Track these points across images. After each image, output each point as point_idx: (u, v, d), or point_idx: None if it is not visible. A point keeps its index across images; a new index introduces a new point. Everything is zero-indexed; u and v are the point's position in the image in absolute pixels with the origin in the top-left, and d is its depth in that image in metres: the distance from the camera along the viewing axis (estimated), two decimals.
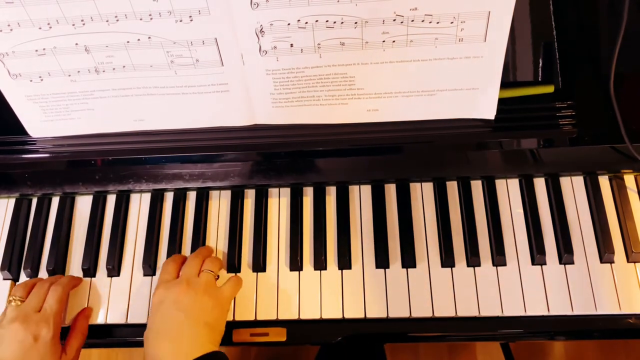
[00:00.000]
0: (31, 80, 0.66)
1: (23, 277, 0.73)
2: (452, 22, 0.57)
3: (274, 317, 0.68)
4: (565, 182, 0.71)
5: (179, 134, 0.70)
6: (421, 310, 0.66)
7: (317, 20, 0.58)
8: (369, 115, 0.67)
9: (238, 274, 0.71)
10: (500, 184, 0.72)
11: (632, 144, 0.64)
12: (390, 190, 0.73)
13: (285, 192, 0.75)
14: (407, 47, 0.60)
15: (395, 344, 1.33)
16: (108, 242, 0.74)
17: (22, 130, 0.71)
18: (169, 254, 0.72)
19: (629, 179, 0.71)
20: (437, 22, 0.57)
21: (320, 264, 0.70)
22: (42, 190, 0.75)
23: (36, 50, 0.62)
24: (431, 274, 0.68)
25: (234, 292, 0.68)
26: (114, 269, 0.72)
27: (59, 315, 0.65)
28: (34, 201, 0.78)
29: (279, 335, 0.68)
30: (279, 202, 0.74)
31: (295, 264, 0.70)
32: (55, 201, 0.77)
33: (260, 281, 0.70)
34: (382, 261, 0.69)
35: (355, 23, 0.58)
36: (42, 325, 0.63)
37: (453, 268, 0.68)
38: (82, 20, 0.59)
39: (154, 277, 0.72)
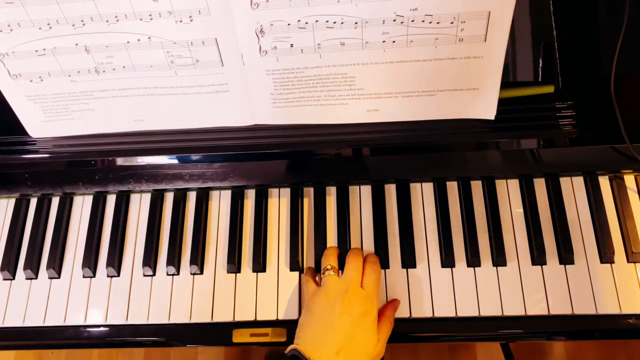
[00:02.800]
0: (31, 81, 0.66)
1: (22, 277, 0.73)
2: (452, 22, 0.57)
3: (274, 317, 0.68)
4: (565, 182, 0.71)
5: (179, 134, 0.70)
6: (421, 310, 0.66)
7: (317, 21, 0.58)
8: (369, 115, 0.67)
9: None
10: (500, 184, 0.72)
11: (632, 144, 0.64)
12: (390, 190, 0.73)
13: (285, 192, 0.75)
14: (407, 47, 0.60)
15: (395, 344, 1.33)
16: (108, 242, 0.74)
17: (22, 130, 0.71)
18: (169, 254, 0.72)
19: (629, 179, 0.70)
20: (437, 23, 0.57)
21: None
22: (42, 190, 0.75)
23: (36, 51, 0.62)
24: (431, 274, 0.68)
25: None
26: (114, 269, 0.72)
27: (377, 297, 0.65)
28: (34, 201, 0.78)
29: (279, 335, 0.68)
30: (279, 202, 0.74)
31: (295, 264, 0.70)
32: (55, 201, 0.77)
33: (260, 281, 0.70)
34: (382, 261, 0.69)
35: (355, 23, 0.58)
36: (370, 302, 0.63)
37: (453, 268, 0.68)
38: (82, 21, 0.59)
39: (154, 277, 0.72)
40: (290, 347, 0.61)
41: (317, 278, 0.67)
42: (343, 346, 0.60)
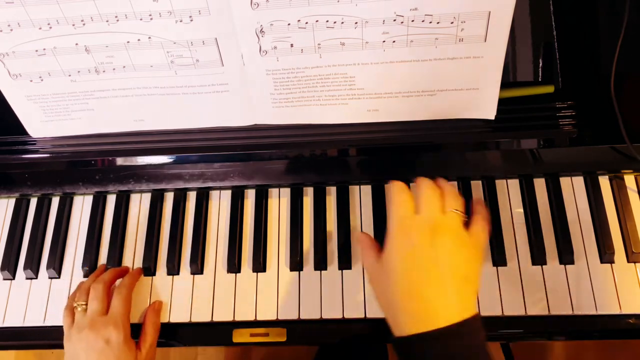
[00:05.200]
0: (31, 81, 0.66)
1: (22, 277, 0.73)
2: (452, 22, 0.57)
3: (274, 317, 0.68)
4: (565, 182, 0.71)
5: (179, 134, 0.70)
6: None
7: (317, 20, 0.58)
8: (369, 115, 0.67)
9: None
10: (500, 184, 0.72)
11: (632, 144, 0.64)
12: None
13: (286, 192, 0.75)
14: (407, 47, 0.60)
15: None
16: (108, 242, 0.74)
17: (22, 130, 0.71)
18: (169, 254, 0.72)
19: (629, 179, 0.70)
20: (437, 22, 0.57)
21: (320, 264, 0.70)
22: (42, 190, 0.75)
23: (36, 51, 0.62)
24: None
25: (484, 235, 0.55)
26: None
27: (126, 316, 0.65)
28: (34, 201, 0.78)
29: (279, 335, 0.68)
30: (279, 202, 0.74)
31: (295, 264, 0.70)
32: (55, 201, 0.77)
33: (260, 281, 0.70)
34: None
35: (355, 23, 0.58)
36: (111, 328, 0.63)
37: None
38: (82, 20, 0.59)
39: (154, 277, 0.72)
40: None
41: None
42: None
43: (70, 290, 0.72)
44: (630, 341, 1.28)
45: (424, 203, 0.53)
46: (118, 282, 0.70)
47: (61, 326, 0.70)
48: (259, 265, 0.70)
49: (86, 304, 0.66)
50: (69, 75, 0.65)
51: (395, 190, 0.55)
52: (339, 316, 0.67)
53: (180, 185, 0.73)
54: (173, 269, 0.71)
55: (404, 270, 0.50)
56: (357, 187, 0.74)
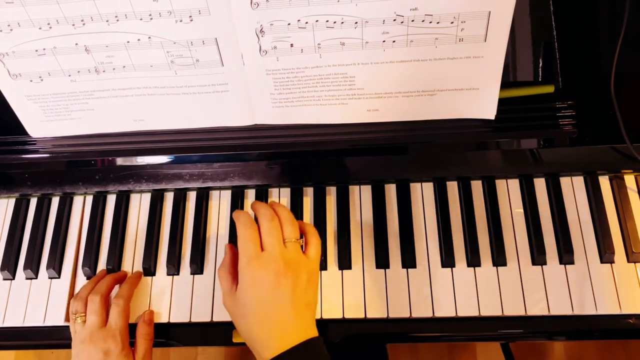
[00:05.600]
0: (31, 80, 0.66)
1: (22, 277, 0.73)
2: (452, 22, 0.57)
3: None
4: (565, 182, 0.71)
5: (179, 134, 0.70)
6: (421, 310, 0.66)
7: (317, 20, 0.58)
8: (369, 115, 0.67)
9: (304, 223, 0.63)
10: (500, 184, 0.72)
11: (632, 144, 0.64)
12: (390, 190, 0.73)
13: (286, 192, 0.75)
14: (407, 47, 0.60)
15: (395, 344, 1.33)
16: (108, 242, 0.74)
17: (22, 130, 0.71)
18: (169, 254, 0.72)
19: (629, 179, 0.70)
20: (437, 22, 0.57)
21: (320, 264, 0.70)
22: (42, 190, 0.75)
23: (36, 50, 0.62)
24: (431, 274, 0.68)
25: (319, 253, 0.61)
26: (114, 270, 0.72)
27: (124, 329, 0.66)
28: (34, 201, 0.78)
29: None
30: (279, 202, 0.74)
31: None
32: (55, 201, 0.77)
33: None
34: (382, 261, 0.69)
35: (355, 23, 0.58)
36: (109, 340, 0.64)
37: (453, 268, 0.68)
38: (82, 20, 0.59)
39: (154, 277, 0.72)
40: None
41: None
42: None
43: (71, 290, 0.72)
44: (630, 341, 1.28)
45: (266, 238, 0.58)
46: (117, 288, 0.70)
47: (61, 326, 0.70)
48: None
49: (85, 315, 0.66)
50: (69, 75, 0.65)
51: (240, 226, 0.59)
52: (339, 316, 0.67)
53: (180, 185, 0.73)
54: (173, 269, 0.71)
55: (255, 306, 0.56)
56: (357, 187, 0.74)
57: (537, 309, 0.65)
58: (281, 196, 0.75)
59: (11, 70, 0.64)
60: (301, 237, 0.61)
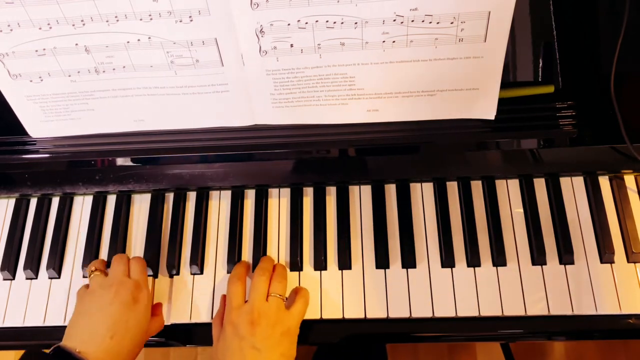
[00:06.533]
0: (31, 81, 0.66)
1: (22, 277, 0.73)
2: (452, 23, 0.57)
3: None
4: (565, 182, 0.71)
5: (179, 134, 0.70)
6: (421, 311, 0.66)
7: (317, 21, 0.58)
8: (369, 115, 0.67)
9: (300, 286, 0.69)
10: (500, 184, 0.72)
11: (632, 144, 0.64)
12: (390, 190, 0.73)
13: (285, 192, 0.75)
14: (407, 47, 0.60)
15: (395, 344, 1.33)
16: (108, 242, 0.74)
17: (22, 130, 0.71)
18: (169, 254, 0.72)
19: (629, 179, 0.70)
20: (437, 23, 0.57)
21: (320, 264, 0.70)
22: (42, 190, 0.75)
23: (36, 51, 0.62)
24: (431, 274, 0.68)
25: (303, 312, 0.66)
26: None
27: (147, 283, 0.67)
28: (34, 201, 0.78)
29: None
30: (279, 202, 0.74)
31: (295, 264, 0.70)
32: (55, 201, 0.77)
33: None
34: (382, 261, 0.69)
35: (355, 23, 0.58)
36: (139, 288, 0.65)
37: (453, 268, 0.68)
38: (82, 21, 0.59)
39: (154, 277, 0.72)
40: (54, 346, 0.60)
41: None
42: (117, 331, 0.60)
43: (70, 290, 0.72)
44: (630, 341, 1.28)
45: (251, 291, 0.65)
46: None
47: (61, 326, 0.70)
48: None
49: (102, 272, 0.66)
50: (69, 76, 0.65)
51: (230, 282, 0.66)
52: (339, 316, 0.67)
53: (180, 185, 0.73)
54: (173, 269, 0.71)
55: (231, 352, 0.61)
56: (357, 187, 0.74)
57: (537, 309, 0.65)
58: (281, 196, 0.75)
59: (11, 70, 0.64)
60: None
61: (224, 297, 0.68)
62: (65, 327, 0.69)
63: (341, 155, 0.70)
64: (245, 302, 0.64)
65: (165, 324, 0.69)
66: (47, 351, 0.59)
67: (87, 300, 0.64)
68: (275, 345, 0.61)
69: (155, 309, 0.68)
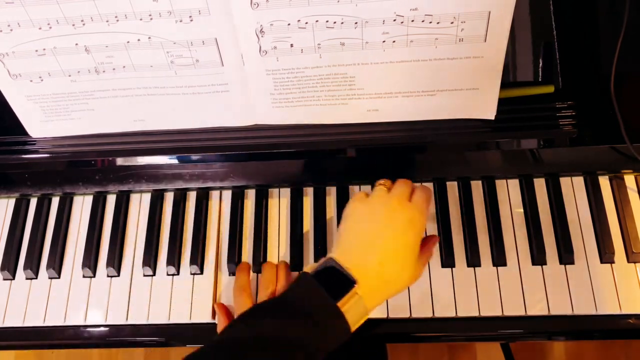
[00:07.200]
0: (31, 81, 0.66)
1: (22, 277, 0.73)
2: (452, 23, 0.57)
3: None
4: (565, 182, 0.71)
5: (179, 134, 0.70)
6: (421, 310, 0.66)
7: (317, 20, 0.58)
8: (369, 115, 0.67)
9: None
10: (500, 184, 0.72)
11: (632, 144, 0.64)
12: None
13: (286, 192, 0.75)
14: (407, 47, 0.60)
15: (395, 344, 1.33)
16: (108, 242, 0.74)
17: (22, 130, 0.71)
18: (169, 254, 0.72)
19: (629, 179, 0.70)
20: (437, 23, 0.57)
21: None
22: (42, 190, 0.75)
23: (36, 51, 0.62)
24: (431, 273, 0.68)
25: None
26: (114, 269, 0.72)
27: (426, 214, 0.61)
28: (34, 201, 0.78)
29: None
30: (279, 202, 0.74)
31: (296, 265, 0.70)
32: (55, 201, 0.77)
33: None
34: None
35: (355, 23, 0.58)
36: (417, 214, 0.59)
37: (453, 268, 0.68)
38: (82, 20, 0.59)
39: (154, 277, 0.72)
40: (324, 258, 0.57)
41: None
42: (387, 258, 0.56)
43: (70, 290, 0.72)
44: (630, 341, 1.28)
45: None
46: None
47: (61, 326, 0.70)
48: (259, 265, 0.70)
49: (387, 188, 0.62)
50: (69, 76, 0.65)
51: (235, 295, 0.67)
52: None
53: (180, 185, 0.73)
54: (173, 269, 0.71)
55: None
56: (357, 187, 0.74)
57: (537, 309, 0.65)
58: (281, 196, 0.75)
59: (11, 70, 0.64)
60: None
61: (221, 306, 0.68)
62: (65, 327, 0.70)
63: (341, 155, 0.70)
64: None
65: (165, 323, 0.69)
66: (320, 264, 0.57)
67: (363, 211, 0.60)
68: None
69: (428, 241, 0.63)
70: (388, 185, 0.63)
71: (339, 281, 0.54)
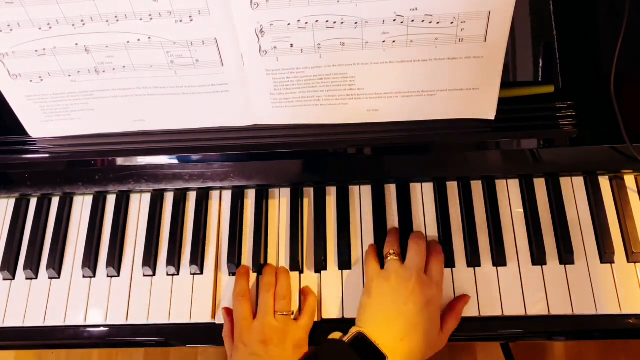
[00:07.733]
0: (31, 81, 0.66)
1: (22, 277, 0.73)
2: (452, 23, 0.57)
3: None
4: (565, 182, 0.71)
5: (179, 134, 0.70)
6: None
7: (317, 20, 0.58)
8: (369, 115, 0.67)
9: (307, 290, 0.69)
10: (500, 184, 0.72)
11: (632, 144, 0.64)
12: (391, 190, 0.73)
13: (286, 192, 0.75)
14: (407, 47, 0.60)
15: None
16: (108, 242, 0.74)
17: (22, 130, 0.71)
18: (169, 254, 0.72)
19: (629, 179, 0.70)
20: (437, 23, 0.57)
21: (320, 264, 0.70)
22: (42, 190, 0.76)
23: (36, 51, 0.62)
24: None
25: (311, 323, 0.66)
26: (114, 269, 0.72)
27: (442, 285, 0.64)
28: (34, 201, 0.78)
29: None
30: (279, 202, 0.74)
31: (296, 265, 0.70)
32: (55, 201, 0.77)
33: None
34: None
35: (355, 23, 0.58)
36: (434, 290, 0.62)
37: (453, 268, 0.68)
38: (82, 21, 0.59)
39: (154, 277, 0.72)
40: (354, 329, 0.61)
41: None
42: (407, 333, 0.60)
43: (70, 290, 0.72)
44: (630, 341, 1.28)
45: (259, 309, 0.66)
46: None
47: (61, 326, 0.70)
48: (259, 266, 0.70)
49: (399, 257, 0.65)
50: (69, 75, 0.65)
51: (235, 300, 0.68)
52: (339, 316, 0.67)
53: (180, 185, 0.73)
54: (173, 269, 0.71)
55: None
56: (357, 187, 0.74)
57: (537, 309, 0.65)
58: (281, 196, 0.75)
59: (11, 70, 0.64)
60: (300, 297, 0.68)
61: (227, 310, 0.68)
62: (65, 327, 0.70)
63: (341, 155, 0.70)
64: (254, 312, 0.66)
65: (165, 323, 0.69)
66: (346, 339, 0.60)
67: (381, 288, 0.63)
68: (289, 357, 0.62)
69: (445, 325, 0.64)
70: (397, 252, 0.65)
71: (370, 353, 0.59)
